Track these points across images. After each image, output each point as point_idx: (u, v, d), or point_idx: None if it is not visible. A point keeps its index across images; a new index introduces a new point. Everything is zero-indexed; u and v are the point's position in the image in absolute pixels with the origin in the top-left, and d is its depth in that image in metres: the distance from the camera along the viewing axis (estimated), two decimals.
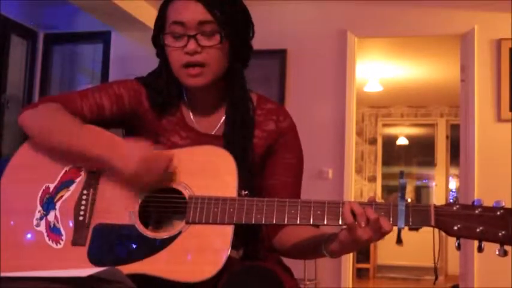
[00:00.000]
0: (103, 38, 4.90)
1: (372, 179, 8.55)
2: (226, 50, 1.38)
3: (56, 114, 1.33)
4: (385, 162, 8.69)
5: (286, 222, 1.21)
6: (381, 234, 1.17)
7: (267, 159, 1.44)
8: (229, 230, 1.21)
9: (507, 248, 1.13)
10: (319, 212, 1.20)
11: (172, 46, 1.36)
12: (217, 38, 1.34)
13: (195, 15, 1.33)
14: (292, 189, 1.44)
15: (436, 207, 1.17)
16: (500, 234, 1.12)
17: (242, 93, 1.42)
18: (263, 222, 1.22)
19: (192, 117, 1.44)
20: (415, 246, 7.79)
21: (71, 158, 1.32)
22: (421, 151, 8.89)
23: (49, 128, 1.32)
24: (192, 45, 1.33)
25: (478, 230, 1.14)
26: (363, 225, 1.16)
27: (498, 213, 1.13)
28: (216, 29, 1.34)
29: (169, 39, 1.37)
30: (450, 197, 1.20)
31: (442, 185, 8.27)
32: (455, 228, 1.15)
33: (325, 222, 1.20)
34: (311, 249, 1.33)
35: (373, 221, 1.16)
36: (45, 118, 1.33)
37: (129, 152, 1.24)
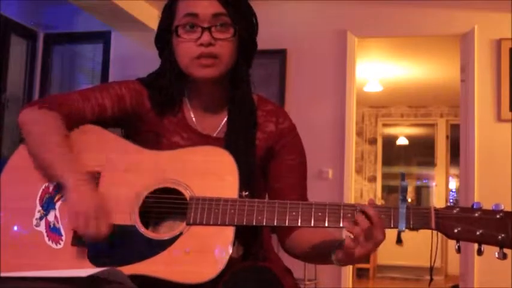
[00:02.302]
0: (103, 38, 4.90)
1: (372, 179, 8.54)
2: (236, 45, 1.39)
3: (48, 130, 1.31)
4: (385, 162, 8.68)
5: (287, 224, 1.21)
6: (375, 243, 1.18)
7: (270, 162, 1.44)
8: (230, 231, 1.21)
9: (506, 251, 1.13)
10: (320, 214, 1.20)
11: (184, 38, 1.37)
12: (230, 31, 1.36)
13: (209, 8, 1.35)
14: (299, 190, 1.44)
15: (436, 210, 1.17)
16: (499, 237, 1.12)
17: (246, 94, 1.43)
18: (264, 224, 1.22)
19: (193, 118, 1.44)
20: (415, 246, 7.76)
21: None
22: (421, 151, 8.88)
23: (38, 143, 1.31)
24: (206, 37, 1.34)
25: (477, 233, 1.14)
26: (362, 241, 1.17)
27: (498, 216, 1.13)
28: (229, 22, 1.36)
29: (181, 32, 1.37)
30: (450, 197, 1.20)
31: (442, 185, 8.26)
32: (455, 231, 1.15)
33: (326, 225, 1.20)
34: (321, 255, 1.33)
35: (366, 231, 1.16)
36: (39, 131, 1.31)
37: (78, 199, 1.22)
